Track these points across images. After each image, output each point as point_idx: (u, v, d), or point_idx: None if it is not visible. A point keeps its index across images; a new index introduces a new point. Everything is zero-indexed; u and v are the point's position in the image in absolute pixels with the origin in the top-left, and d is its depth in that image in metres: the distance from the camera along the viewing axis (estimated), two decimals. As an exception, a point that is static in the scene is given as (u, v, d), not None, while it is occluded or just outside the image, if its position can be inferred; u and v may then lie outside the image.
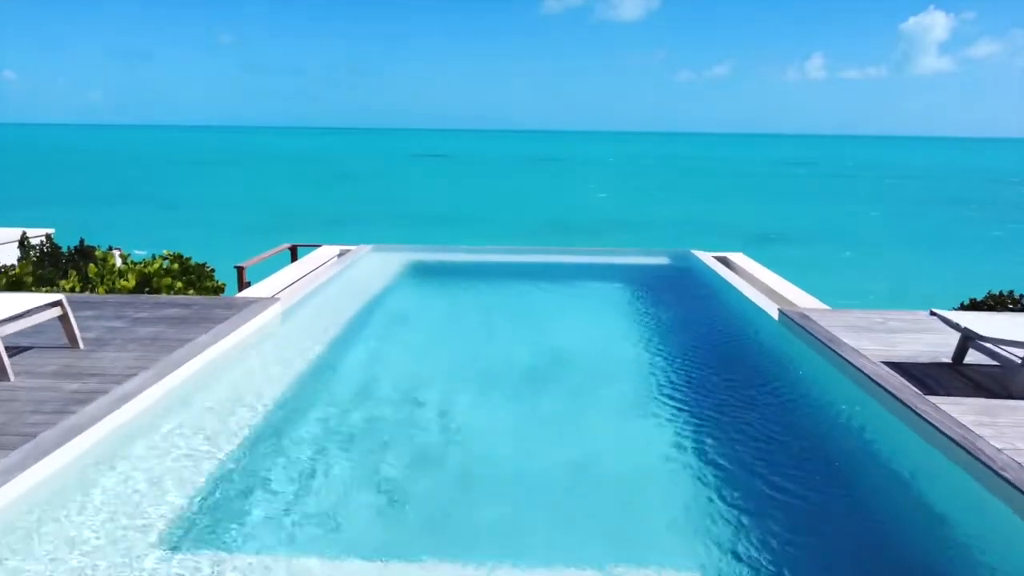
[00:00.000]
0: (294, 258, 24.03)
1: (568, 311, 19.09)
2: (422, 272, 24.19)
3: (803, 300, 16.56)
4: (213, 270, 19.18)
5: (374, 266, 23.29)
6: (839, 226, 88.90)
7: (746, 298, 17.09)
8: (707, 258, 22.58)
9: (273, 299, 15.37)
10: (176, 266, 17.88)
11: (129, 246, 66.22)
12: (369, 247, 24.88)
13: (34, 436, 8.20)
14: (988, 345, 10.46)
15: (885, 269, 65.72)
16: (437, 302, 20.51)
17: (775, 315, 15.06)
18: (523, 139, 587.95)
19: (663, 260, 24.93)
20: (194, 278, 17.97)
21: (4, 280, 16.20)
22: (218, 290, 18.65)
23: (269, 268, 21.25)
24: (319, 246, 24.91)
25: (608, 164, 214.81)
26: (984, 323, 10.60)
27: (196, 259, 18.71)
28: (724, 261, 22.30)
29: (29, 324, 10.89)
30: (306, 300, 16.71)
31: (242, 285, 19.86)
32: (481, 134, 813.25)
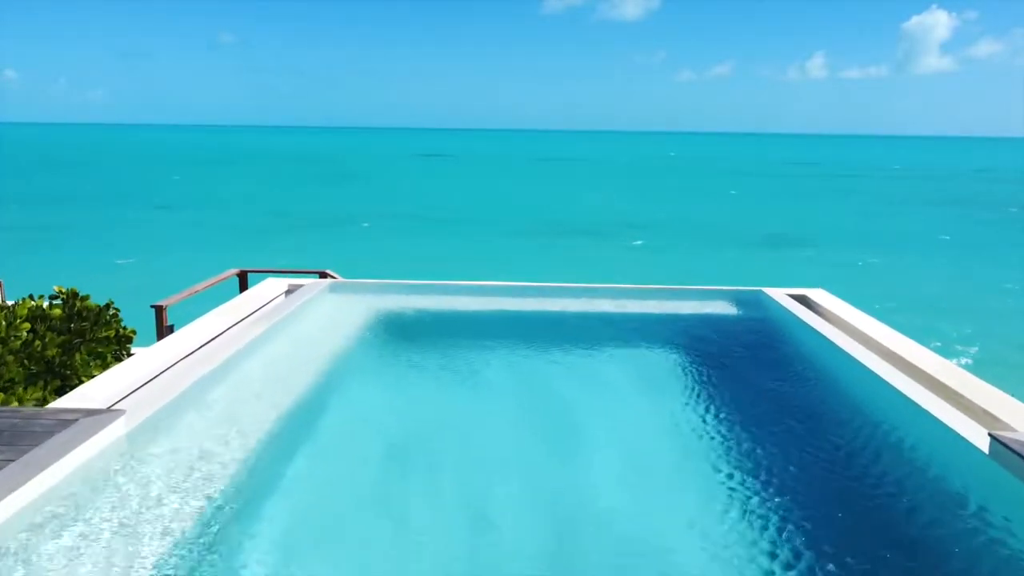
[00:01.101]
0: (243, 287, 18.55)
1: (599, 390, 12.42)
2: (392, 326, 15.64)
3: (929, 361, 11.27)
4: (117, 312, 12.96)
5: (321, 319, 15.06)
6: (852, 227, 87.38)
7: (878, 377, 10.73)
8: (781, 297, 16.60)
9: (112, 413, 8.59)
10: (58, 311, 11.91)
11: (107, 254, 64.34)
12: (324, 284, 16.50)
13: None
14: None
15: (918, 276, 64.23)
16: (409, 388, 12.35)
17: (973, 437, 8.59)
18: (525, 139, 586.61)
19: (726, 306, 17.54)
20: (86, 326, 11.92)
21: None
22: (123, 341, 12.53)
23: (216, 298, 15.69)
24: (271, 274, 18.54)
25: (612, 164, 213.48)
26: None
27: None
28: (803, 301, 16.79)
29: None
30: (174, 409, 9.30)
31: (161, 331, 14.70)
32: (483, 134, 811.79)
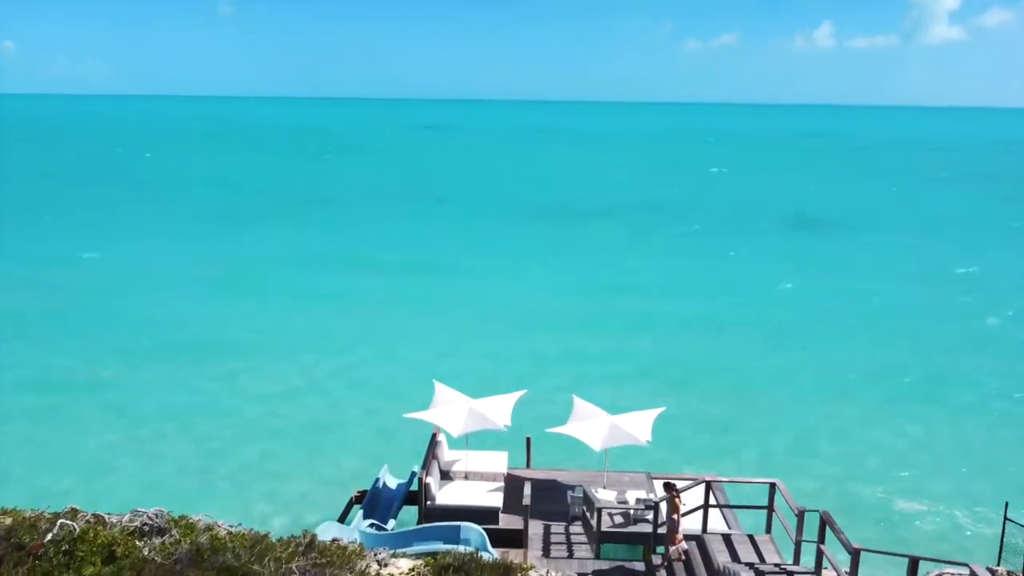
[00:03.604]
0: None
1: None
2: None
3: None
4: None
5: None
6: (876, 206, 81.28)
7: None
8: None
9: None
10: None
11: (76, 244, 58.96)
12: None
13: None
14: None
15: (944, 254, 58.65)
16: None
17: None
18: (526, 110, 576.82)
19: None
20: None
21: None
22: None
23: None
24: None
25: (617, 137, 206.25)
26: None
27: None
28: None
29: None
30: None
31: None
32: (485, 105, 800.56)
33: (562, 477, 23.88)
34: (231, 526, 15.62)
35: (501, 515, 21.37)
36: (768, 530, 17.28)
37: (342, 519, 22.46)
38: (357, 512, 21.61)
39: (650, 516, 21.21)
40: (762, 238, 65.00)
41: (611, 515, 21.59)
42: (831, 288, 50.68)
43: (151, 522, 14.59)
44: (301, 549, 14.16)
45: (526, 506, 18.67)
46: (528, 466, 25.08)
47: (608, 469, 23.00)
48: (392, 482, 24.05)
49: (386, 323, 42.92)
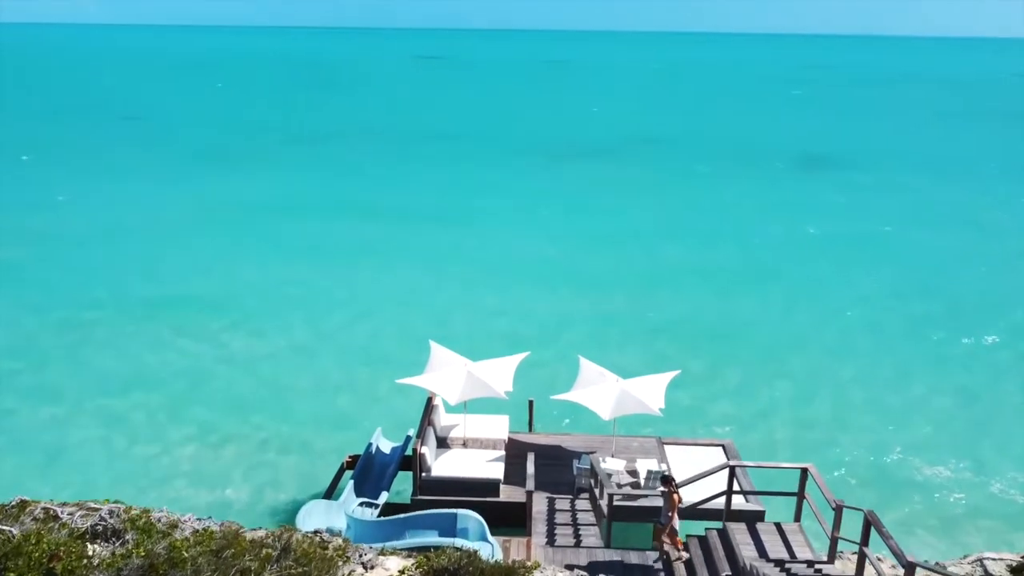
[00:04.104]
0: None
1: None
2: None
3: None
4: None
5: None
6: (888, 143, 78.43)
7: None
8: None
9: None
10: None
11: (51, 188, 56.45)
12: None
13: None
14: None
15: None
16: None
17: None
18: (527, 39, 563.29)
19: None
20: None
21: None
22: None
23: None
24: None
25: (620, 69, 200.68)
26: None
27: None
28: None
29: None
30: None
31: None
32: (486, 34, 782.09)
33: (567, 443, 22.35)
34: (199, 520, 14.05)
35: (502, 486, 19.87)
36: (797, 518, 15.75)
37: (332, 486, 20.99)
38: (348, 483, 20.09)
39: (661, 488, 19.75)
40: (777, 179, 62.32)
41: (619, 487, 20.12)
42: (852, 234, 47.92)
43: (105, 522, 13.03)
44: (275, 554, 12.62)
45: (529, 490, 17.04)
46: (530, 430, 23.54)
47: (616, 434, 21.42)
48: (386, 446, 22.54)
49: (377, 276, 40.18)
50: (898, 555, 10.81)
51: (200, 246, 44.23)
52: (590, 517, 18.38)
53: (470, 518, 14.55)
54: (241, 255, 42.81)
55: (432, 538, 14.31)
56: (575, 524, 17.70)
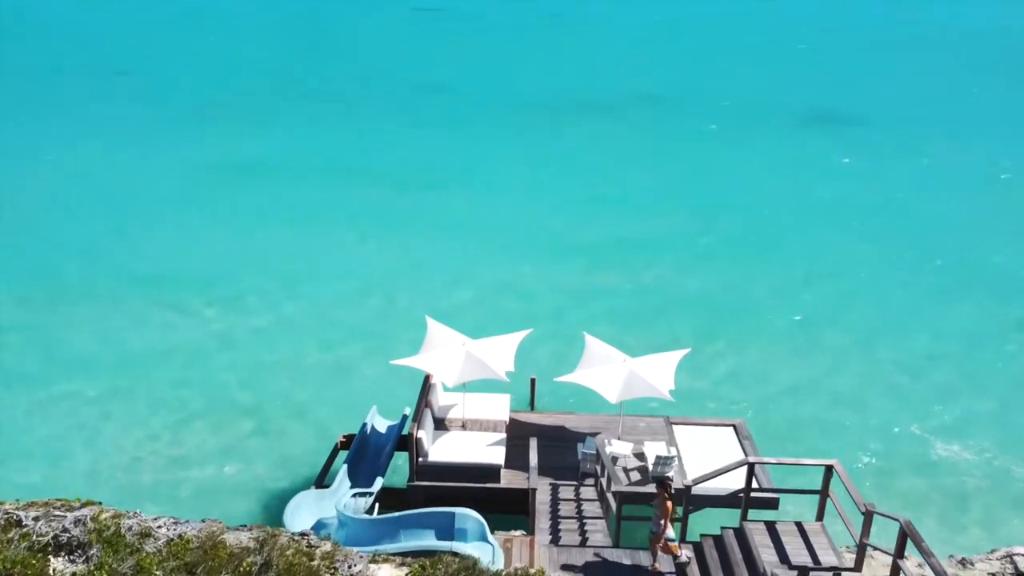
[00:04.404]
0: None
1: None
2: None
3: None
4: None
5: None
6: (905, 100, 76.05)
7: None
8: None
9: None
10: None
11: (40, 144, 54.25)
12: None
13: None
14: None
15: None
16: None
17: None
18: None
19: None
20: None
21: None
22: None
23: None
24: None
25: (621, 22, 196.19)
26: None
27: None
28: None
29: None
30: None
31: None
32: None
33: (571, 423, 21.37)
34: (176, 524, 13.04)
35: (504, 471, 18.92)
36: (820, 517, 14.75)
37: (326, 468, 20.03)
38: (341, 467, 19.11)
39: (670, 472, 18.81)
40: (788, 138, 60.32)
41: (627, 471, 19.18)
42: (867, 200, 45.87)
43: (68, 533, 12.02)
44: (255, 569, 11.64)
45: (532, 487, 16.01)
46: (532, 409, 22.55)
47: (623, 413, 20.39)
48: (382, 425, 21.56)
49: (370, 245, 38.07)
50: (938, 571, 9.81)
51: (185, 213, 41.96)
52: (596, 508, 17.43)
53: (469, 518, 13.58)
54: (228, 223, 40.56)
55: (429, 541, 13.35)
56: (580, 518, 16.75)
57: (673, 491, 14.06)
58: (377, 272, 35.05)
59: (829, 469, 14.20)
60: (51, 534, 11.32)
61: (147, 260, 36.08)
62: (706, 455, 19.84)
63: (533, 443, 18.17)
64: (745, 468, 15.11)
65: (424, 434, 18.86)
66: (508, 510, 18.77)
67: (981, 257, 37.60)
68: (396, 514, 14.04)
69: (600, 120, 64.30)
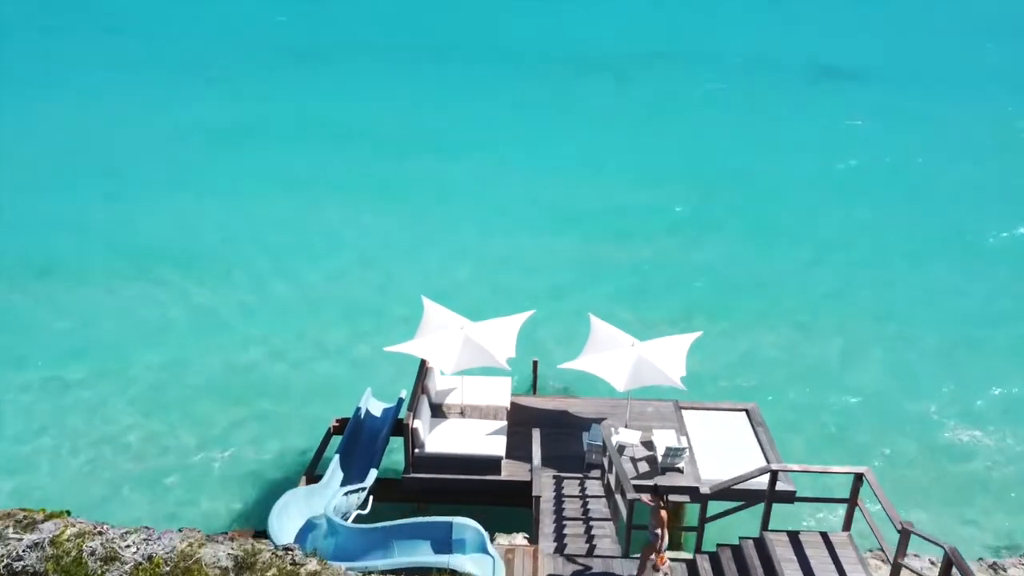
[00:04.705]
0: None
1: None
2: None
3: None
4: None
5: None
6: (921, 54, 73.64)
7: None
8: None
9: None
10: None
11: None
12: None
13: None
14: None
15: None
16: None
17: None
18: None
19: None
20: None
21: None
22: None
23: None
24: None
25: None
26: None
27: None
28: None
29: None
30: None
31: None
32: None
33: (575, 408, 20.31)
34: (148, 540, 11.99)
35: (504, 462, 17.89)
36: (847, 527, 13.72)
37: (318, 456, 19.06)
38: (333, 458, 18.09)
39: (681, 464, 17.81)
40: (798, 97, 58.17)
41: (635, 461, 18.16)
42: (883, 166, 43.68)
43: (23, 560, 10.95)
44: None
45: (536, 495, 14.92)
46: (535, 393, 21.47)
47: (630, 398, 19.30)
48: (376, 408, 20.54)
49: (362, 217, 35.77)
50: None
51: (171, 179, 39.67)
52: (603, 507, 16.42)
53: (468, 528, 12.55)
54: (215, 190, 38.22)
55: (424, 555, 12.33)
56: (587, 519, 15.75)
57: (670, 501, 13.01)
58: (371, 244, 33.43)
59: (859, 477, 13.13)
60: (1, 563, 10.22)
61: (127, 230, 34.29)
62: (718, 442, 18.85)
63: (536, 436, 17.12)
64: (764, 471, 14.03)
65: (420, 424, 17.79)
66: (509, 502, 17.84)
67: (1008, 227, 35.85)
68: (389, 524, 13.03)
69: (600, 79, 62.05)
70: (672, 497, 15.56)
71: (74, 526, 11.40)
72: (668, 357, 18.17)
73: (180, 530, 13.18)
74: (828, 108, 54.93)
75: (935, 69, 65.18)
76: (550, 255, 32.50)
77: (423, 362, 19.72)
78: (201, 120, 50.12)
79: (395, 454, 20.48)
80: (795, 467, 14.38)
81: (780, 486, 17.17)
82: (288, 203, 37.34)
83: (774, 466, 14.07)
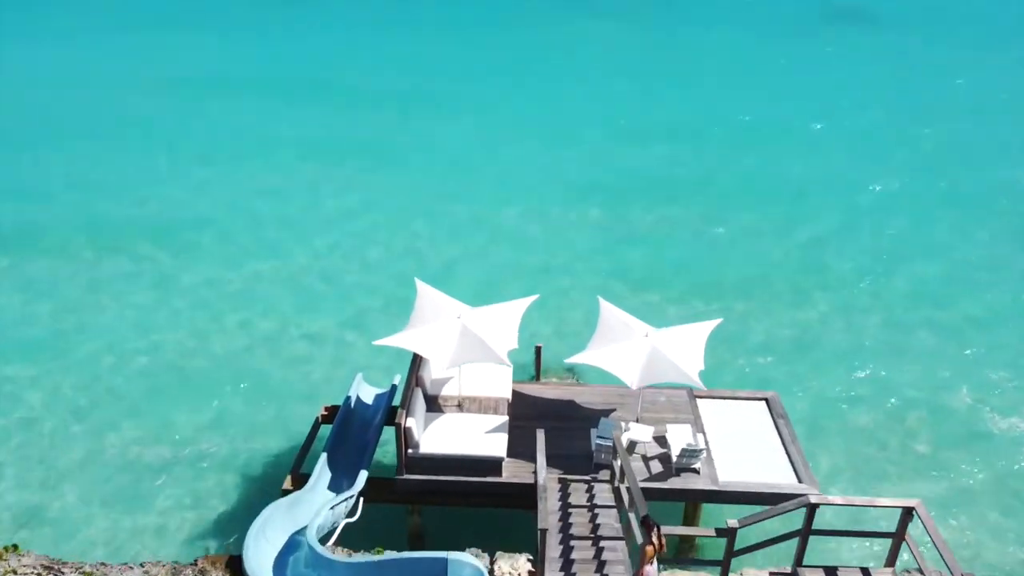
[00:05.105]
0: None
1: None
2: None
3: None
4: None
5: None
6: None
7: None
8: None
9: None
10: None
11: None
12: None
13: None
14: None
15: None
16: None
17: None
18: None
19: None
20: None
21: None
22: None
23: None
24: None
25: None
26: None
27: None
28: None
29: None
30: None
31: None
32: None
33: (581, 397, 18.85)
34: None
35: (506, 462, 16.47)
36: (891, 563, 12.36)
37: (305, 449, 17.66)
38: (320, 458, 16.66)
39: (697, 464, 16.41)
40: (813, 38, 55.25)
41: (647, 460, 16.77)
42: (904, 124, 40.00)
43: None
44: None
45: (543, 527, 13.42)
46: (538, 379, 19.96)
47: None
48: (368, 394, 19.12)
49: (350, 183, 32.72)
50: None
51: (143, 137, 36.30)
52: (613, 521, 15.04)
53: (465, 565, 11.17)
54: (196, 153, 35.19)
55: (415, 600, 11.00)
56: (596, 538, 14.37)
57: (663, 537, 11.61)
58: (358, 216, 30.31)
59: (908, 512, 11.71)
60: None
61: (92, 194, 31.38)
62: (735, 436, 17.50)
63: (540, 438, 15.61)
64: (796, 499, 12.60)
65: (414, 422, 16.30)
66: (510, 504, 16.52)
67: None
68: (379, 558, 11.64)
69: (601, 19, 58.57)
70: (695, 532, 14.18)
71: (28, 566, 9.92)
72: (685, 349, 16.62)
73: (142, 565, 11.82)
74: (843, 45, 52.07)
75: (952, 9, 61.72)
76: (549, 222, 30.08)
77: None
78: (172, 69, 46.58)
79: (389, 444, 19.11)
80: (837, 500, 12.96)
81: (806, 490, 15.86)
82: (268, 166, 34.19)
83: (813, 498, 12.60)
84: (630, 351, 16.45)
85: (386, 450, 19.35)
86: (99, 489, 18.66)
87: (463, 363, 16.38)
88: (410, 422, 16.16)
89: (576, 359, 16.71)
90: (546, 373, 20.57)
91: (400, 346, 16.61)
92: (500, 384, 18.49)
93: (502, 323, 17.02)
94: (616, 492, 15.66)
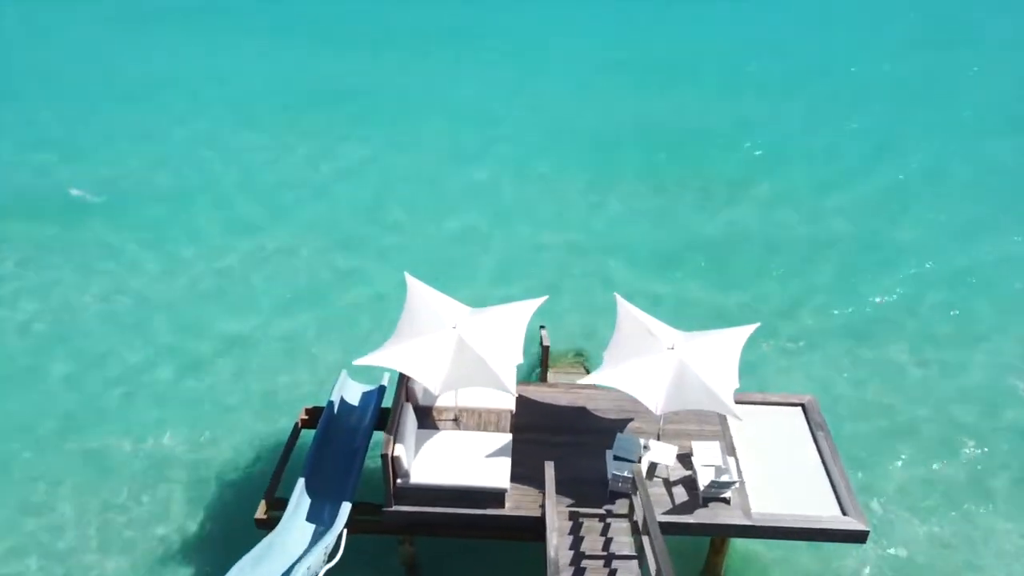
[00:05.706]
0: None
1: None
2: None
3: None
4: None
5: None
6: None
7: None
8: None
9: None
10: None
11: None
12: None
13: None
14: None
15: None
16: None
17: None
18: None
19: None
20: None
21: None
22: None
23: None
24: None
25: None
26: None
27: None
28: None
29: None
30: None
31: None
32: None
33: (594, 403, 16.71)
34: None
35: (509, 492, 14.35)
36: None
37: (283, 461, 15.64)
38: (298, 484, 14.63)
39: (727, 494, 14.35)
40: None
41: (669, 485, 14.71)
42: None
43: None
44: None
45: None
46: (544, 379, 17.76)
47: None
48: (354, 394, 16.98)
49: (334, 148, 29.51)
50: None
51: (111, 92, 32.73)
52: (635, 569, 13.06)
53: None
54: (173, 134, 31.13)
55: None
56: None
57: None
58: (343, 206, 26.66)
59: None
60: None
61: (51, 151, 28.26)
62: (769, 453, 15.48)
63: (549, 473, 13.48)
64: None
65: (403, 449, 14.11)
66: (514, 537, 14.58)
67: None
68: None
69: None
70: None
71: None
72: (716, 364, 14.35)
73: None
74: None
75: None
76: (556, 196, 27.05)
77: (407, 356, 15.83)
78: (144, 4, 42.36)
79: (379, 448, 17.03)
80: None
81: (851, 524, 13.93)
82: (251, 124, 30.86)
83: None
84: (653, 369, 14.18)
85: (376, 454, 17.26)
86: (60, 511, 16.73)
87: (459, 387, 14.12)
88: (399, 449, 14.02)
89: (593, 378, 14.46)
90: (554, 360, 18.37)
91: (384, 365, 14.28)
92: (502, 394, 16.24)
93: (504, 333, 14.68)
94: (634, 527, 13.71)
